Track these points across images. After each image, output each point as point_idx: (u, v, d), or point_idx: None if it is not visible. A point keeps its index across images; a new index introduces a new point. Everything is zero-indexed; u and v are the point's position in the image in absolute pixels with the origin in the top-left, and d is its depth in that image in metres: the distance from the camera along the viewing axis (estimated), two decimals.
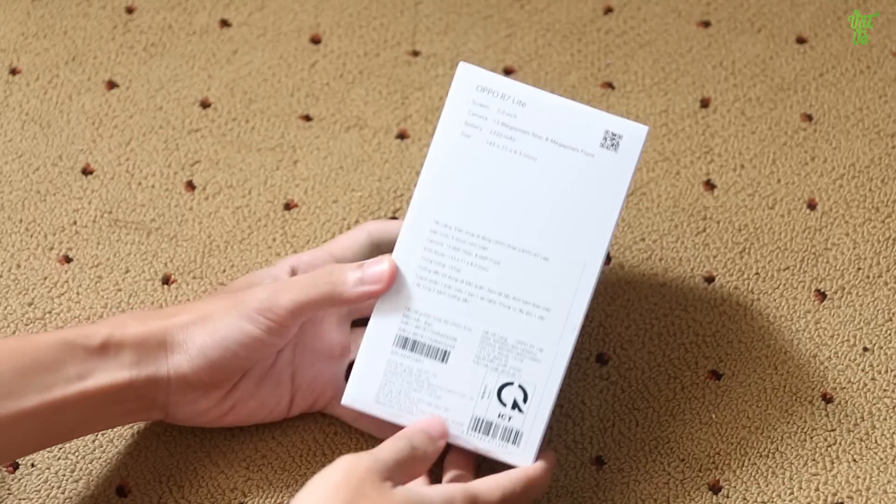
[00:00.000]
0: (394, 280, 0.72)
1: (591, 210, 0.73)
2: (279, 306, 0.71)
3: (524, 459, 0.72)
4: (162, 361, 0.71)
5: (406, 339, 0.72)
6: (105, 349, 0.70)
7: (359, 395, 0.72)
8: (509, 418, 0.72)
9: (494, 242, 0.72)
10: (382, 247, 0.76)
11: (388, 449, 0.68)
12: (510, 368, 0.72)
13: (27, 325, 0.80)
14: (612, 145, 0.73)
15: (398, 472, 0.67)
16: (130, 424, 0.77)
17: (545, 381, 0.72)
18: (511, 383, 0.72)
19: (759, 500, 0.76)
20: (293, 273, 0.75)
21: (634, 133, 0.73)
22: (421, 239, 0.73)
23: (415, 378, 0.72)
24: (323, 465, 0.76)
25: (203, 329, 0.71)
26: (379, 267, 0.72)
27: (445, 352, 0.72)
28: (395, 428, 0.72)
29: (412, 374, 0.72)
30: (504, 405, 0.72)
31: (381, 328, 0.72)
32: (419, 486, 0.69)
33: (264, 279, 0.75)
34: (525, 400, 0.72)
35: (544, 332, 0.72)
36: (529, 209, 0.73)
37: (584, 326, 0.81)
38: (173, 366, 0.71)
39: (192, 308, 0.73)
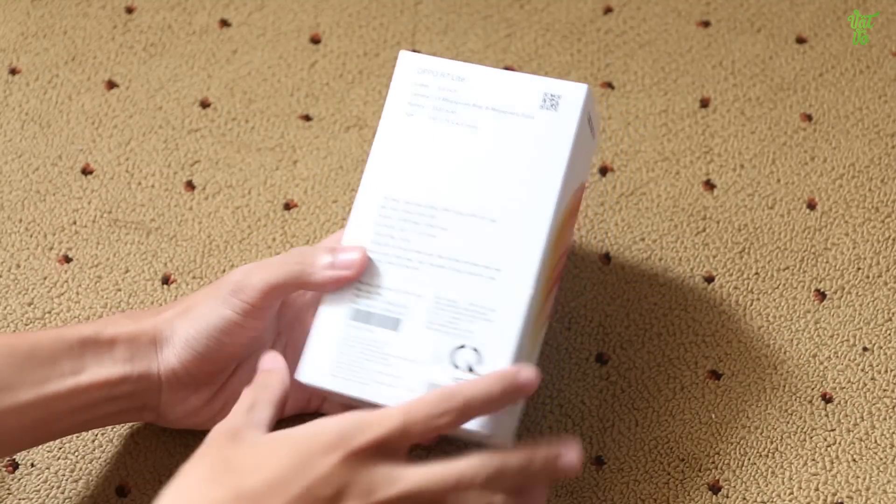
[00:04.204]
0: (364, 268, 0.72)
1: (536, 170, 0.73)
2: (250, 287, 0.71)
3: (484, 424, 0.70)
4: (153, 358, 0.71)
5: (358, 310, 0.72)
6: (98, 345, 0.71)
7: (313, 371, 0.71)
8: None
9: (442, 210, 0.73)
10: None
11: (240, 402, 0.67)
12: (462, 331, 0.71)
13: (27, 324, 0.80)
14: (552, 106, 0.73)
15: (254, 417, 0.66)
16: (129, 424, 0.77)
17: (499, 341, 0.71)
18: (464, 346, 0.71)
19: (758, 500, 0.76)
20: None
21: (574, 92, 0.74)
22: (372, 214, 0.73)
23: (369, 349, 0.71)
24: None
25: (186, 320, 0.72)
26: (350, 255, 0.72)
27: (397, 320, 0.71)
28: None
29: (366, 345, 0.71)
30: (458, 368, 0.70)
31: (334, 303, 0.72)
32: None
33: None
34: (480, 362, 0.71)
35: (495, 292, 0.71)
36: (476, 175, 0.73)
37: (580, 325, 0.81)
38: (163, 361, 0.71)
39: (178, 302, 0.73)
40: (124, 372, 0.71)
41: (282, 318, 0.76)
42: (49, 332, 0.71)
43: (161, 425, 0.76)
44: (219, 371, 0.73)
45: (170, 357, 0.71)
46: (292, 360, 0.74)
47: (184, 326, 0.71)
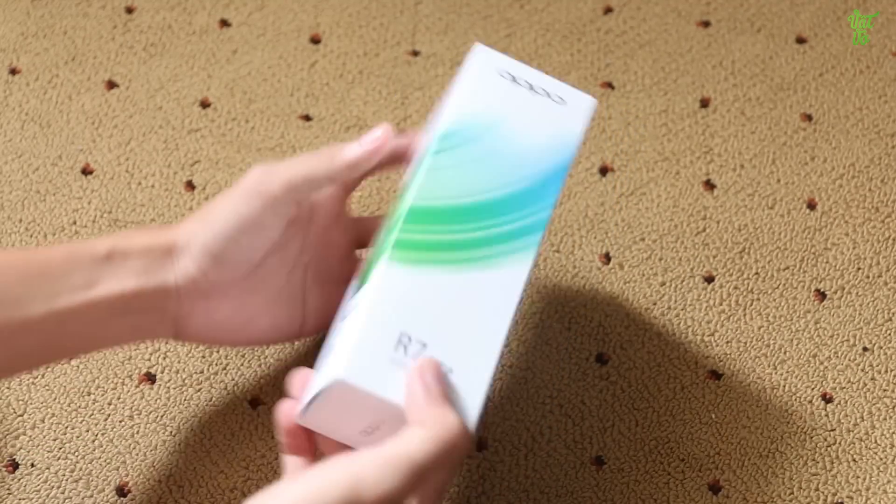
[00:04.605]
0: (388, 143, 0.71)
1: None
2: (273, 179, 0.70)
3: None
4: (169, 268, 0.70)
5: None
6: (111, 258, 0.69)
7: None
8: None
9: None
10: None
11: None
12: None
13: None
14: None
15: None
16: (129, 424, 0.77)
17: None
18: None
19: (759, 500, 0.76)
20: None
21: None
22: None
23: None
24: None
25: (204, 225, 0.70)
26: (375, 131, 0.71)
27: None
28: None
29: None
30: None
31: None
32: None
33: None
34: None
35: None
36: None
37: (580, 325, 0.81)
38: (180, 271, 0.70)
39: (193, 214, 0.72)
40: (138, 285, 0.69)
41: (307, 235, 0.74)
42: (62, 246, 0.69)
43: (182, 342, 0.74)
44: (240, 277, 0.71)
45: (187, 265, 0.70)
46: (312, 282, 0.74)
47: (202, 232, 0.70)
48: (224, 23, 0.91)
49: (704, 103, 0.89)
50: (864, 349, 0.81)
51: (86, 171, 0.85)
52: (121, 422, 0.77)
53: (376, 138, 0.71)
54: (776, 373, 0.80)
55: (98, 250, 0.69)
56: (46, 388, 0.78)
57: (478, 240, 0.68)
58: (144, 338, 0.72)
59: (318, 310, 0.75)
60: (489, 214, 0.69)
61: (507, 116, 0.72)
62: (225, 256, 0.70)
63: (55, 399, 0.78)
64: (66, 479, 0.76)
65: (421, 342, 0.65)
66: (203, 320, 0.72)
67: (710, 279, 0.83)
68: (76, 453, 0.76)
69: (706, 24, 0.92)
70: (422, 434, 0.61)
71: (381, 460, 0.60)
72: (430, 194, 0.69)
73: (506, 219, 0.69)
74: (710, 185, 0.86)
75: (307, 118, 0.88)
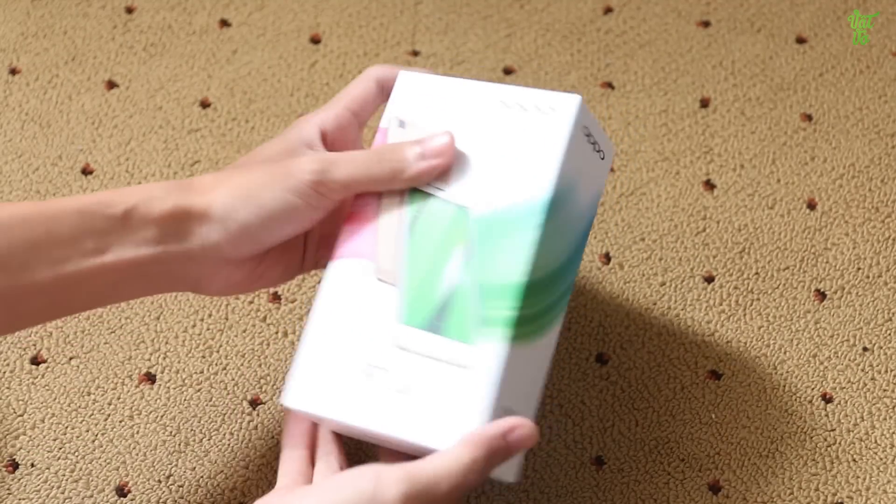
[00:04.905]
0: (454, 152, 0.69)
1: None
2: (334, 181, 0.67)
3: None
4: (195, 236, 0.67)
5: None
6: (128, 221, 0.66)
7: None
8: None
9: None
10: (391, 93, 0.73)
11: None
12: None
13: None
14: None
15: None
16: (129, 425, 0.77)
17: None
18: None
19: (759, 500, 0.76)
20: (325, 138, 0.72)
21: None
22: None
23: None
24: None
25: (246, 204, 0.67)
26: (439, 140, 0.69)
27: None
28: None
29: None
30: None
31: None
32: None
33: (296, 146, 0.70)
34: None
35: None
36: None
37: (580, 325, 0.81)
38: (209, 241, 0.67)
39: (229, 181, 0.68)
40: (156, 252, 0.66)
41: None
42: (74, 201, 0.66)
43: (196, 293, 0.73)
44: (267, 249, 0.70)
45: (218, 237, 0.67)
46: (324, 245, 0.73)
47: (244, 211, 0.67)
48: (224, 23, 0.91)
49: (704, 103, 0.89)
50: (864, 349, 0.81)
51: (86, 171, 0.85)
52: (121, 422, 0.77)
53: (441, 148, 0.69)
54: (776, 373, 0.80)
55: (114, 209, 0.66)
56: (46, 388, 0.78)
57: (547, 307, 0.68)
58: (160, 293, 0.70)
59: (318, 243, 0.74)
60: (554, 282, 0.68)
61: (581, 176, 0.69)
62: (262, 238, 0.68)
63: (55, 399, 0.78)
64: (66, 479, 0.76)
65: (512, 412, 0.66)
66: (222, 282, 0.70)
67: (710, 279, 0.83)
68: (76, 453, 0.76)
69: (706, 24, 0.92)
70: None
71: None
72: (533, 268, 0.66)
73: (561, 284, 0.69)
74: (710, 185, 0.86)
75: None
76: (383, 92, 0.73)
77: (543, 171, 0.67)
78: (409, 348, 0.66)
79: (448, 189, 0.69)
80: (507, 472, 0.66)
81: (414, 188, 0.69)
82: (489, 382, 0.64)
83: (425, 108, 0.71)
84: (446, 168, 0.69)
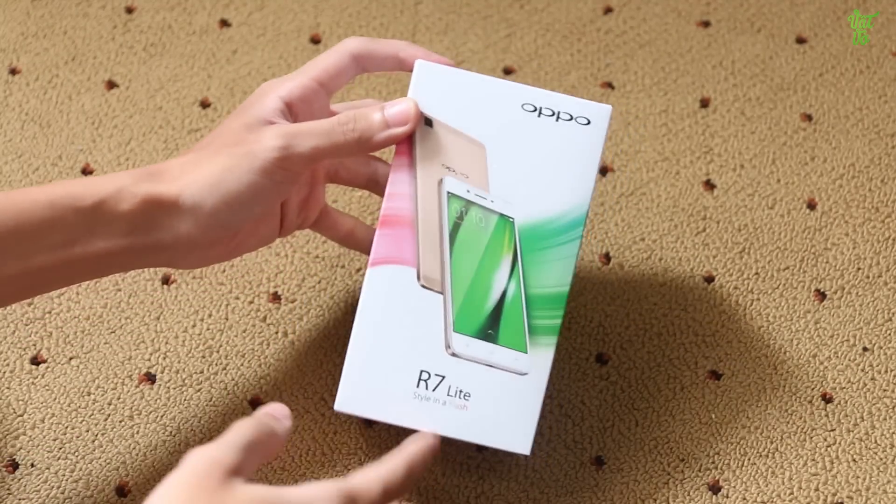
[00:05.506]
0: (419, 119, 0.70)
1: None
2: (299, 154, 0.67)
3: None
4: (166, 226, 0.67)
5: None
6: (98, 213, 0.66)
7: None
8: None
9: None
10: (368, 66, 0.72)
11: (229, 439, 0.62)
12: None
13: (27, 324, 0.80)
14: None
15: (247, 459, 0.62)
16: (129, 424, 0.77)
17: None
18: None
19: (758, 500, 0.76)
20: (290, 110, 0.70)
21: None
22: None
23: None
24: (322, 465, 0.76)
25: (213, 192, 0.67)
26: (403, 107, 0.69)
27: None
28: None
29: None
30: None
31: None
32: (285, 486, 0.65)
33: (255, 121, 0.69)
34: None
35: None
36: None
37: (580, 325, 0.81)
38: (181, 229, 0.67)
39: (197, 168, 0.67)
40: (127, 243, 0.67)
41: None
42: (41, 193, 0.65)
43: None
44: (240, 230, 0.70)
45: (189, 227, 0.67)
46: (304, 208, 0.74)
47: (210, 198, 0.67)
48: (224, 23, 0.91)
49: (704, 103, 0.89)
50: (864, 349, 0.81)
51: (86, 172, 0.85)
52: (121, 422, 0.77)
53: (406, 116, 0.69)
54: (776, 373, 0.80)
55: (84, 201, 0.66)
56: (46, 388, 0.78)
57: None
58: (132, 270, 0.70)
59: (295, 210, 0.74)
60: (563, 300, 0.72)
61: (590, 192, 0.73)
62: (232, 223, 0.68)
63: (55, 399, 0.78)
64: (66, 479, 0.76)
65: None
66: (196, 261, 0.71)
67: (710, 279, 0.83)
68: (76, 453, 0.76)
69: (706, 24, 0.92)
70: None
71: None
72: (565, 280, 0.72)
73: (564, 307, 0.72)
74: (710, 185, 0.86)
75: None
76: (358, 65, 0.72)
77: (582, 182, 0.72)
78: (465, 356, 0.70)
79: (488, 196, 0.71)
80: (523, 444, 0.70)
81: (453, 194, 0.71)
82: (542, 387, 0.71)
83: (450, 105, 0.72)
84: (410, 133, 0.70)
